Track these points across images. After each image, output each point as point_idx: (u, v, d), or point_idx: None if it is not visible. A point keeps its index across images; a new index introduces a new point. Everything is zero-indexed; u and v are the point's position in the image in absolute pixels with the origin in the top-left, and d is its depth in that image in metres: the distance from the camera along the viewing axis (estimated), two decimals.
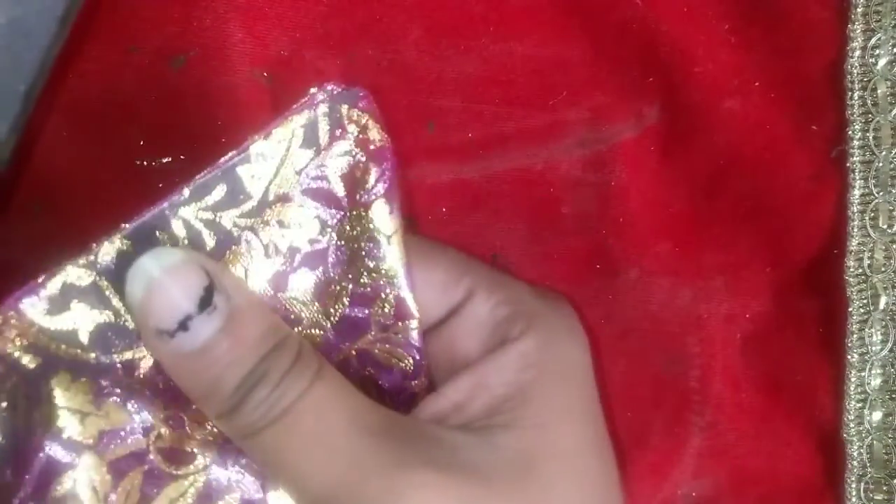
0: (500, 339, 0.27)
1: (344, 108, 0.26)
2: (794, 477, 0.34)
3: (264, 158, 0.25)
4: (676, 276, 0.34)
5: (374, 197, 0.26)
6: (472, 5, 0.32)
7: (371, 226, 0.26)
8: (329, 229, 0.27)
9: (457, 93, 0.33)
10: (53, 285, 0.24)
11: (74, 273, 0.24)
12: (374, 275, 0.27)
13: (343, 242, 0.27)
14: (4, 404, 0.24)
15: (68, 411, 0.24)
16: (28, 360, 0.24)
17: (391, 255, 0.26)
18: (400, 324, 0.27)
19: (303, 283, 0.26)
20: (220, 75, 0.31)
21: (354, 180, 0.26)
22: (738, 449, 0.34)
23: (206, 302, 0.22)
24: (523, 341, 0.26)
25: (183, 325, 0.22)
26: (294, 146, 0.26)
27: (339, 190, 0.26)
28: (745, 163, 0.33)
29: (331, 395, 0.23)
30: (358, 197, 0.26)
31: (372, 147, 0.26)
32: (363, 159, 0.26)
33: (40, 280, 0.24)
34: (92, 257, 0.24)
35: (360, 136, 0.26)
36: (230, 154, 0.25)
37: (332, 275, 0.27)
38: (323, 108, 0.26)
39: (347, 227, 0.27)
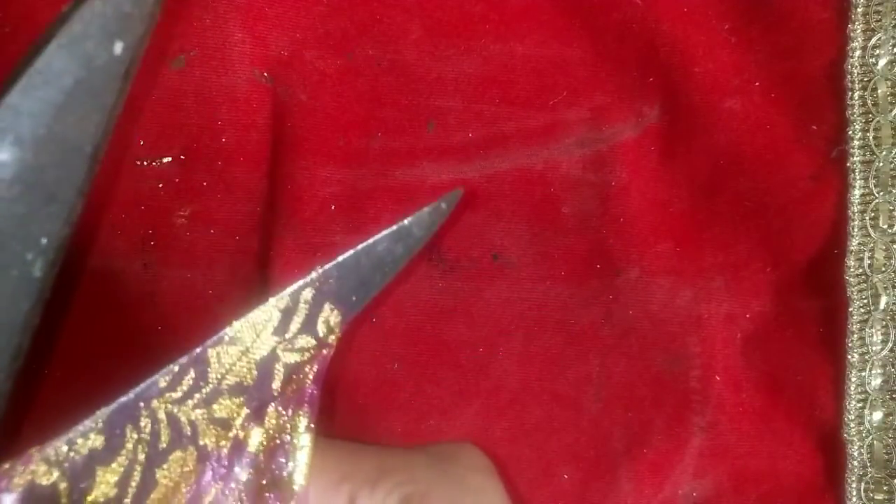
0: None
1: (327, 307, 0.27)
2: (795, 477, 0.34)
3: (233, 343, 0.26)
4: (677, 275, 0.34)
5: (303, 405, 0.26)
6: (472, 5, 0.33)
7: (288, 432, 0.26)
8: (251, 423, 0.26)
9: (457, 93, 0.33)
10: (17, 482, 0.23)
11: (40, 469, 0.24)
12: (275, 487, 0.26)
13: (261, 442, 0.26)
14: None
15: None
16: None
17: (298, 471, 0.26)
18: None
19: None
20: (220, 75, 0.31)
21: (293, 380, 0.26)
22: (739, 449, 0.34)
23: None
24: None
25: None
26: (265, 333, 0.26)
27: (277, 383, 0.26)
28: (745, 163, 0.33)
29: None
30: (289, 397, 0.26)
31: (325, 351, 0.27)
32: (310, 364, 0.26)
33: (7, 467, 0.23)
34: (60, 452, 0.24)
35: (323, 339, 0.27)
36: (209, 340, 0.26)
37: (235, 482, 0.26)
38: (307, 296, 0.26)
39: (267, 425, 0.26)
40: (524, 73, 0.33)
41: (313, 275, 0.26)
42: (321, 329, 0.27)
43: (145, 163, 0.31)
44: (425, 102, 0.33)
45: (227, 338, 0.26)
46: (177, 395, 0.25)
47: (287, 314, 0.26)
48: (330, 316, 0.27)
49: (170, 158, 0.31)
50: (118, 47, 0.23)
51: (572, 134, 0.33)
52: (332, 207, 0.32)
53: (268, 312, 0.26)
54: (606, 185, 0.33)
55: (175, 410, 0.25)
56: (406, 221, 0.28)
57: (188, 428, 0.26)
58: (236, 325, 0.26)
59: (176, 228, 0.32)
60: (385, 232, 0.28)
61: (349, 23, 0.32)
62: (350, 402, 0.32)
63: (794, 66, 0.32)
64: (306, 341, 0.27)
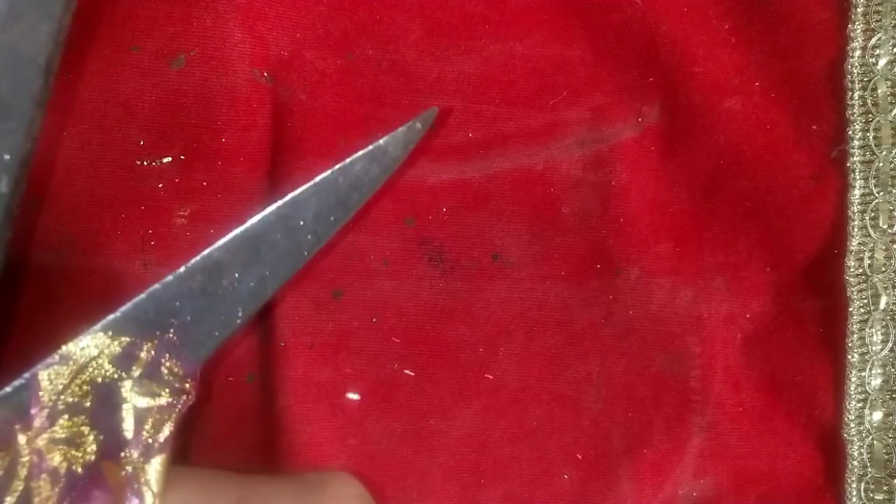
0: None
1: (167, 362, 0.26)
2: (795, 477, 0.34)
3: (66, 361, 0.25)
4: (677, 275, 0.34)
5: (156, 451, 0.26)
6: (472, 5, 0.33)
7: (143, 478, 0.26)
8: (103, 457, 0.26)
9: (457, 93, 0.33)
10: None
11: None
12: None
13: (115, 475, 0.26)
14: None
15: None
16: None
17: None
18: None
19: None
20: (220, 75, 0.31)
21: (146, 423, 0.26)
22: (739, 449, 0.34)
23: None
24: None
25: None
26: (104, 360, 0.26)
27: (129, 427, 0.26)
28: (745, 162, 0.33)
29: None
30: (144, 441, 0.26)
31: (184, 399, 0.26)
32: (166, 408, 0.26)
33: None
34: None
35: (177, 385, 0.26)
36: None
37: None
38: (149, 348, 0.26)
39: (122, 468, 0.26)
40: (524, 73, 0.33)
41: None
42: (168, 379, 0.26)
43: (145, 163, 0.31)
44: (425, 102, 0.33)
45: (59, 356, 0.25)
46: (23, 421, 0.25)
47: (129, 351, 0.26)
48: (174, 366, 0.26)
49: (170, 158, 0.31)
50: None
51: (572, 134, 0.33)
52: None
53: (105, 341, 0.26)
54: (606, 185, 0.33)
55: (24, 439, 0.25)
56: (381, 141, 0.28)
57: (35, 456, 0.25)
58: (70, 343, 0.25)
59: (176, 228, 0.32)
60: (361, 152, 0.28)
61: (349, 23, 0.32)
62: (350, 403, 0.32)
63: (794, 66, 0.32)
64: (157, 388, 0.26)
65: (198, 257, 0.27)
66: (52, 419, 0.25)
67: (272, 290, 0.28)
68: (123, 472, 0.25)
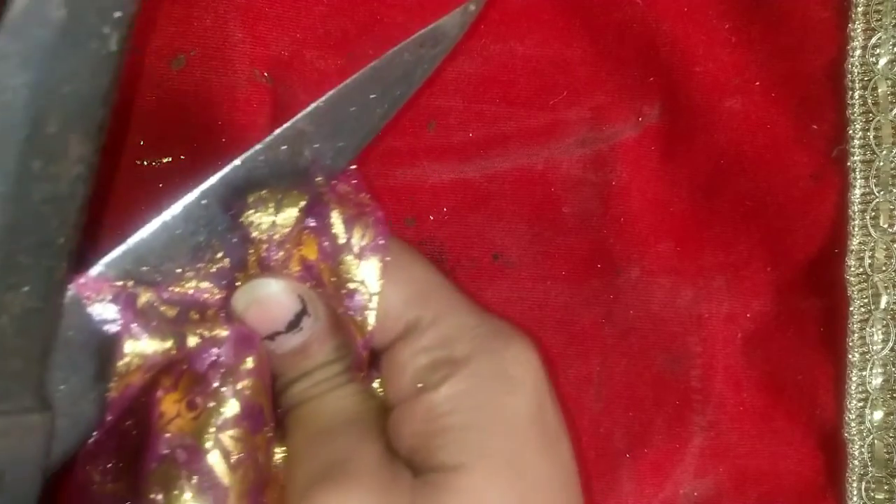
0: (420, 388, 0.27)
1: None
2: (796, 476, 0.34)
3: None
4: (677, 275, 0.34)
5: (369, 254, 0.27)
6: None
7: (358, 278, 0.27)
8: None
9: (457, 93, 0.33)
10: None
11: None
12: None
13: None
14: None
15: None
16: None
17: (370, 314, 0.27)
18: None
19: None
20: (220, 75, 0.31)
21: (354, 230, 0.27)
22: (740, 448, 0.34)
23: (294, 325, 0.27)
24: (438, 391, 0.26)
25: (271, 337, 0.27)
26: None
27: (340, 232, 0.27)
28: (745, 162, 0.33)
29: (339, 406, 0.28)
30: (355, 245, 0.27)
31: (379, 214, 0.27)
32: (366, 216, 0.27)
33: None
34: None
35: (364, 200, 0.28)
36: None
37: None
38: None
39: (337, 270, 0.27)
40: (524, 73, 0.33)
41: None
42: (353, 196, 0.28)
43: (145, 163, 0.31)
44: (425, 102, 0.33)
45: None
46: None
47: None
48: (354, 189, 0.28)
49: (170, 158, 0.31)
50: None
51: (573, 133, 0.33)
52: None
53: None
54: (607, 184, 0.33)
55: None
56: (439, 22, 0.30)
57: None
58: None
59: None
60: (421, 31, 0.30)
61: (349, 23, 0.32)
62: None
63: (794, 66, 0.32)
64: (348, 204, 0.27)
65: (282, 127, 0.28)
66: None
67: (345, 162, 0.29)
68: (341, 272, 0.27)
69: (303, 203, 0.27)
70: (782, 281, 0.34)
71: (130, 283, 0.26)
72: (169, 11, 0.31)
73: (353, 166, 0.29)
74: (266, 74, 0.32)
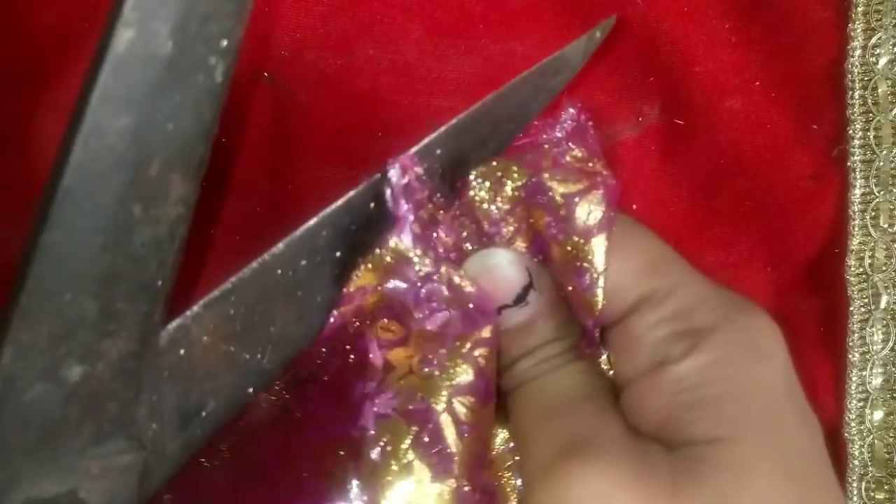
0: (660, 361, 0.26)
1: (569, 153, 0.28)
2: None
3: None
4: None
5: (595, 231, 0.26)
6: (472, 5, 0.32)
7: (586, 256, 0.26)
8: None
9: (457, 93, 0.33)
10: None
11: None
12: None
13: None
14: None
15: None
16: None
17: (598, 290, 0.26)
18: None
19: None
20: None
21: (577, 207, 0.27)
22: None
23: (521, 298, 0.27)
24: (683, 363, 0.25)
25: (499, 310, 0.27)
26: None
27: (564, 211, 0.27)
28: (745, 162, 0.33)
29: (569, 383, 0.27)
30: (581, 223, 0.26)
31: (600, 179, 0.27)
32: (587, 190, 0.27)
33: None
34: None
35: (587, 167, 0.28)
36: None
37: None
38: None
39: (565, 247, 0.27)
40: None
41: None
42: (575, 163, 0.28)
43: None
44: (425, 102, 0.33)
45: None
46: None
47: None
48: (576, 151, 0.28)
49: None
50: None
51: None
52: None
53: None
54: None
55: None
56: (563, 51, 0.29)
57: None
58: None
59: None
60: (543, 62, 0.29)
61: (349, 23, 0.32)
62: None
63: (794, 66, 0.32)
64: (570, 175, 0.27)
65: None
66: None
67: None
68: (567, 250, 0.26)
69: (523, 181, 0.27)
70: (782, 281, 0.34)
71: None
72: None
73: (590, 122, 0.28)
74: (266, 74, 0.32)
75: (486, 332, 0.26)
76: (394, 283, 0.26)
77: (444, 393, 0.25)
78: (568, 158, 0.27)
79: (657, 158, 0.34)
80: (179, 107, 0.21)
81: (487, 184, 0.26)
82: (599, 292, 0.26)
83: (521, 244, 0.27)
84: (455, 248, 0.27)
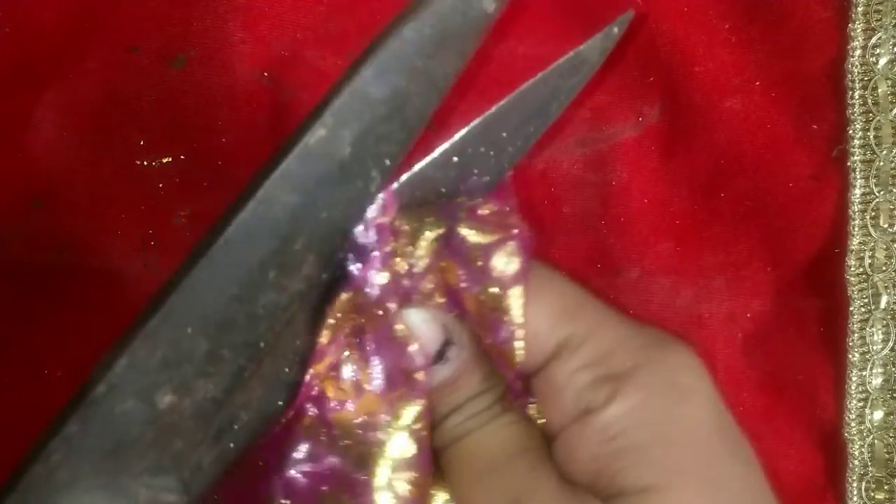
0: (584, 409, 0.25)
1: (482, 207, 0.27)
2: (796, 476, 0.34)
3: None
4: (677, 275, 0.34)
5: (510, 282, 0.26)
6: None
7: (502, 306, 0.26)
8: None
9: (457, 93, 0.33)
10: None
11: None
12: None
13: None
14: None
15: None
16: None
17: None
18: None
19: None
20: (220, 75, 0.31)
21: (491, 258, 0.26)
22: None
23: (440, 355, 0.27)
24: (607, 410, 0.25)
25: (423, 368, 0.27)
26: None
27: (481, 263, 0.26)
28: (745, 162, 0.33)
29: (501, 437, 0.27)
30: (496, 274, 0.26)
31: (515, 232, 0.26)
32: (501, 243, 0.26)
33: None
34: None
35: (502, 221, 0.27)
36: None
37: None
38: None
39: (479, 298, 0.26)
40: (524, 73, 0.33)
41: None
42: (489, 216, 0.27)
43: (145, 163, 0.31)
44: None
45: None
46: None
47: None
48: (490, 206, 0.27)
49: (170, 158, 0.31)
50: (489, 5, 0.25)
51: (573, 133, 0.33)
52: None
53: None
54: (607, 184, 0.33)
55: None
56: (580, 49, 0.29)
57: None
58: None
59: (176, 228, 0.32)
60: (560, 61, 0.28)
61: (349, 23, 0.32)
62: None
63: (794, 66, 0.32)
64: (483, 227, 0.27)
65: (402, 178, 0.28)
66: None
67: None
68: (483, 302, 0.26)
69: (440, 231, 0.26)
70: (782, 281, 0.34)
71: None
72: (169, 12, 0.31)
73: (510, 172, 0.28)
74: (266, 74, 0.32)
75: (420, 402, 0.26)
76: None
77: (385, 468, 0.25)
78: (483, 211, 0.27)
79: (657, 158, 0.34)
80: (335, 202, 0.24)
81: (404, 239, 0.26)
82: (518, 344, 0.26)
83: (439, 298, 0.26)
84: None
